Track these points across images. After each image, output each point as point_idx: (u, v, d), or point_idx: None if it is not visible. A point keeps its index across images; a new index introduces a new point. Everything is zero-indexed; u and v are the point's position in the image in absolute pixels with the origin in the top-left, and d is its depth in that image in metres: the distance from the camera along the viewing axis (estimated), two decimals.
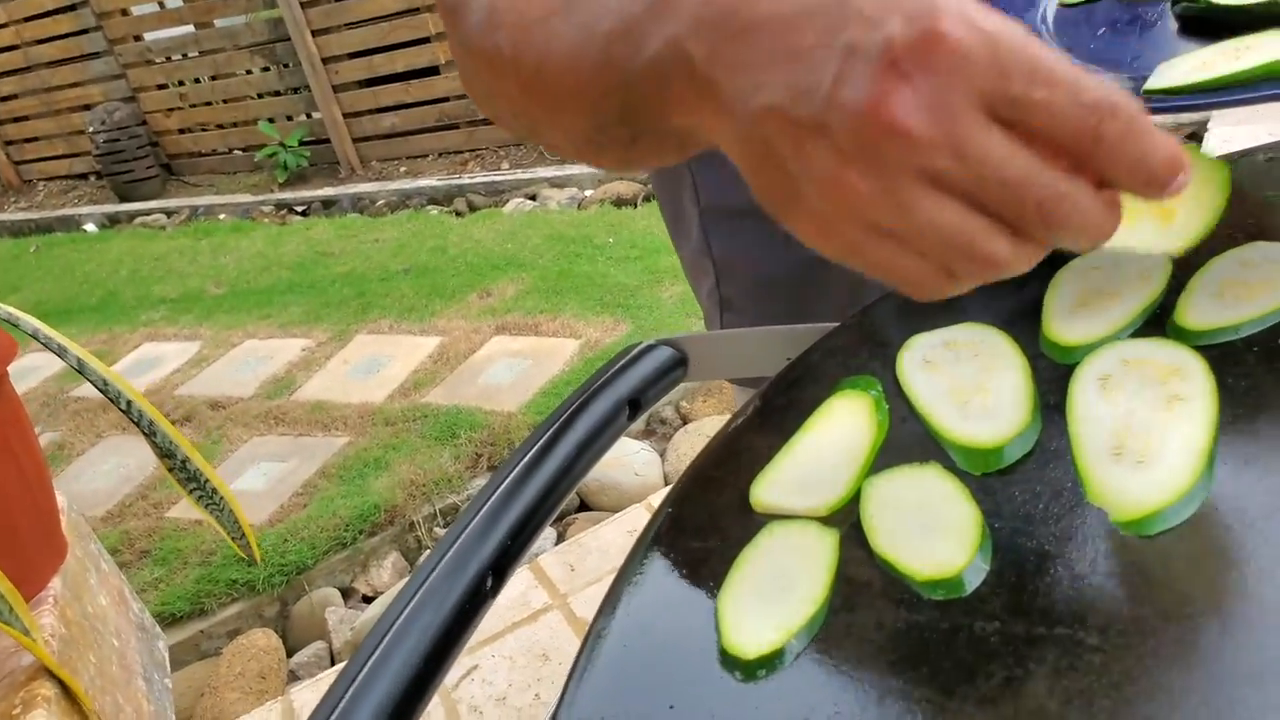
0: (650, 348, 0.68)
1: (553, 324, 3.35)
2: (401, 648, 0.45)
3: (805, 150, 0.31)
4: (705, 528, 0.48)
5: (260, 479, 2.89)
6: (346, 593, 2.55)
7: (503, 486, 0.57)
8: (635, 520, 2.24)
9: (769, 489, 0.48)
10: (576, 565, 2.14)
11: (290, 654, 2.37)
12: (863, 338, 0.61)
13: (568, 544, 2.24)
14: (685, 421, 2.79)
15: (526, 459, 0.59)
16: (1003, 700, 0.35)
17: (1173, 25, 0.61)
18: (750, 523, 0.48)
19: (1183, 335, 0.50)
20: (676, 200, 0.81)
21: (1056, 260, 0.61)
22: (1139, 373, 0.48)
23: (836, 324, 0.65)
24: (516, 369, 3.12)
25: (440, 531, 2.65)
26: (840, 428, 0.52)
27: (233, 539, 1.05)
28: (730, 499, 0.49)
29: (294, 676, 2.31)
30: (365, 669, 0.44)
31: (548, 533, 2.41)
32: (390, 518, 2.66)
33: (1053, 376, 0.51)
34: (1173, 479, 0.41)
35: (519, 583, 2.15)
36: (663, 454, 2.61)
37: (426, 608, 0.49)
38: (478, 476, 2.75)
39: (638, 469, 2.46)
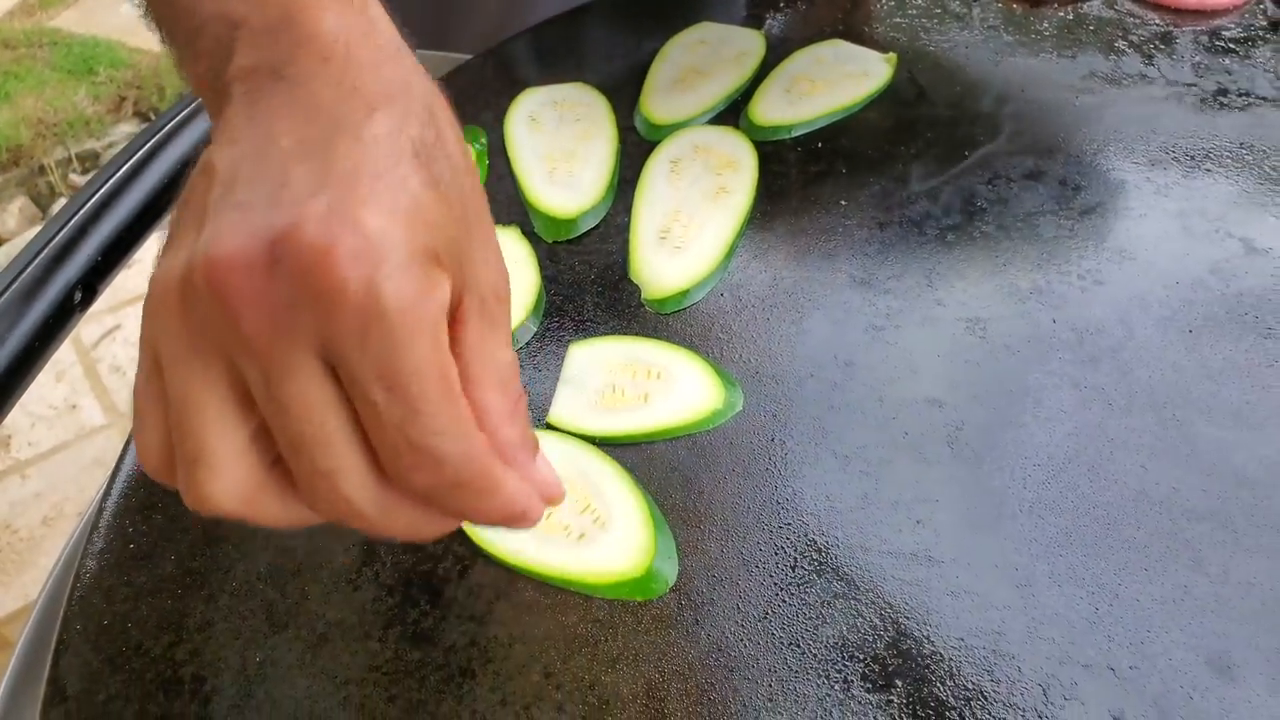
0: None
1: None
2: None
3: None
4: None
5: None
6: None
7: (95, 198, 0.55)
8: None
9: None
10: None
11: None
12: (485, 80, 0.62)
13: None
14: None
15: (125, 169, 0.56)
16: None
17: None
18: None
19: (750, 128, 0.57)
20: None
21: (672, 31, 0.64)
22: (704, 159, 0.55)
23: (468, 57, 0.66)
24: None
25: (77, 179, 2.40)
26: None
27: None
28: None
29: None
30: None
31: None
32: (15, 158, 2.36)
33: (637, 152, 0.56)
34: (697, 265, 0.49)
35: None
36: None
37: (2, 321, 0.49)
38: (122, 121, 2.47)
39: None
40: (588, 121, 0.58)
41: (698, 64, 0.61)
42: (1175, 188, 0.52)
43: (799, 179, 0.54)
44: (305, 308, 0.22)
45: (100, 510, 0.41)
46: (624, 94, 0.60)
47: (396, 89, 0.26)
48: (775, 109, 0.57)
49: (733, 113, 0.58)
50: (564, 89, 0.60)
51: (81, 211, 0.53)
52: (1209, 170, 0.52)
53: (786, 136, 0.56)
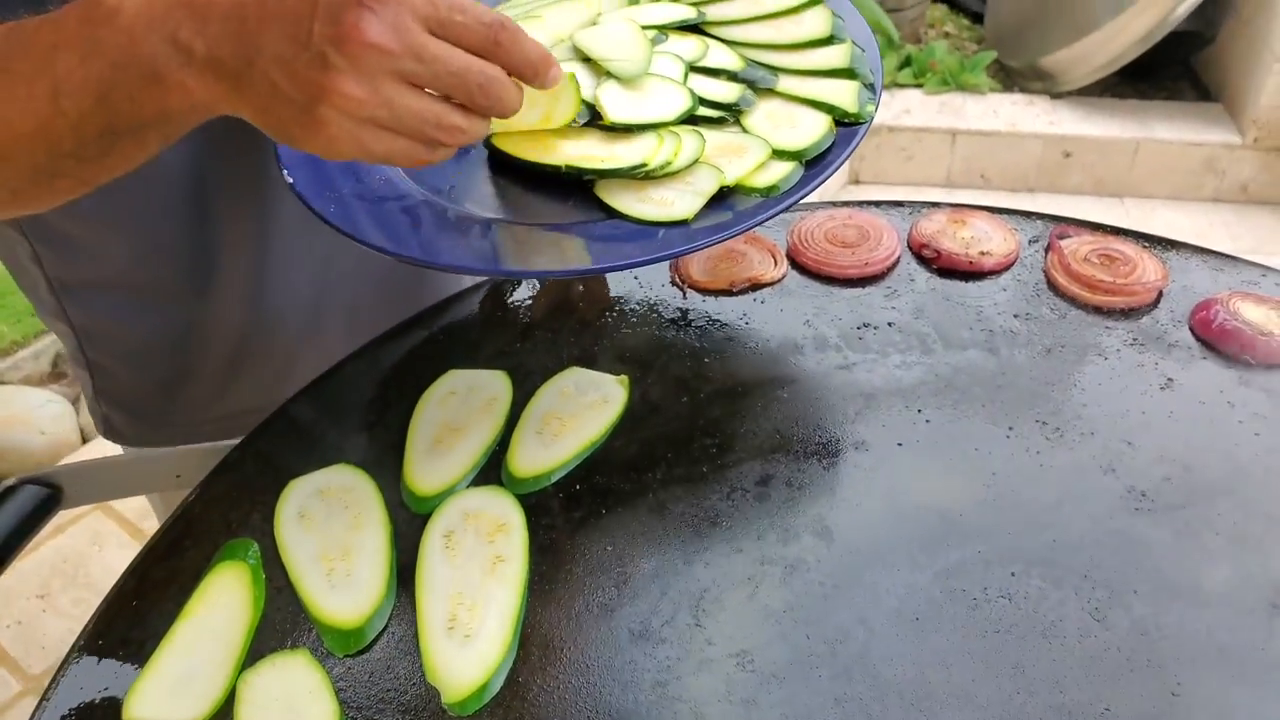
0: (10, 490, 0.64)
1: None
2: None
3: (309, 79, 0.43)
4: None
5: None
6: None
7: None
8: None
9: (143, 700, 0.50)
10: None
11: None
12: (246, 478, 0.64)
13: None
14: None
15: None
16: None
17: (484, 155, 0.64)
18: None
19: (512, 482, 0.61)
20: (16, 263, 0.72)
21: (421, 384, 0.69)
22: (475, 526, 0.58)
23: (224, 444, 0.67)
24: None
25: None
26: (218, 610, 0.55)
27: None
28: (105, 715, 0.51)
29: None
30: None
31: None
32: None
33: (410, 530, 0.59)
34: (490, 653, 0.52)
35: None
36: (76, 401, 2.34)
37: None
38: None
39: (44, 426, 2.17)
40: (356, 507, 0.60)
41: (451, 420, 0.66)
42: (880, 467, 0.61)
43: (565, 528, 0.59)
44: (413, 6, 0.43)
45: None
46: (387, 464, 0.63)
47: None
48: (531, 456, 0.62)
49: (495, 465, 0.63)
50: (327, 474, 0.62)
51: None
52: (900, 445, 0.62)
53: (548, 484, 0.61)
